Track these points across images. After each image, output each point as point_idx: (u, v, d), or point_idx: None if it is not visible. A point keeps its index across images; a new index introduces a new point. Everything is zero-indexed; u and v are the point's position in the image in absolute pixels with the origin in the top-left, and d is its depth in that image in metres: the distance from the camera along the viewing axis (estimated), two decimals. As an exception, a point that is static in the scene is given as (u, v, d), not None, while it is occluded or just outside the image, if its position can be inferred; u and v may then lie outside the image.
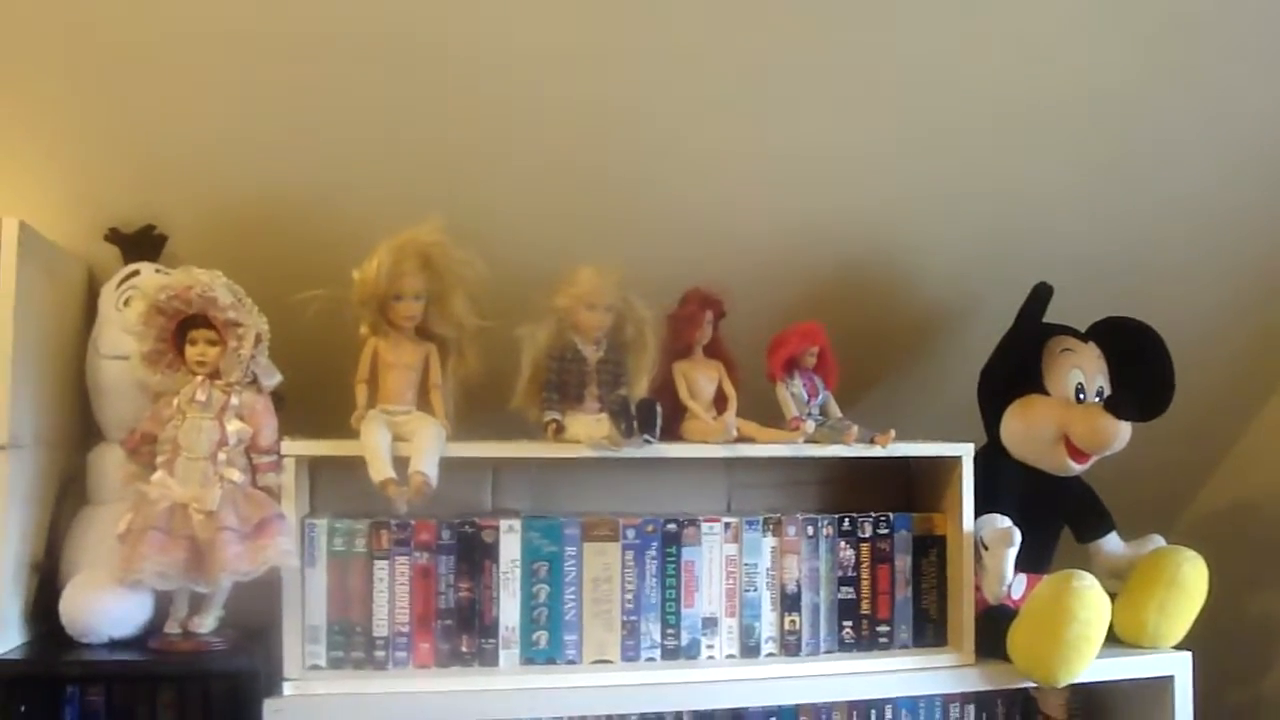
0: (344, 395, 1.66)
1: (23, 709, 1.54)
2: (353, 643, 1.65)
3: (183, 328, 1.59)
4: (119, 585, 1.56)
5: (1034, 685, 1.84)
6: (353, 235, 1.65)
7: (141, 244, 1.77)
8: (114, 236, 1.77)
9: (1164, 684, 1.89)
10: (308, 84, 1.66)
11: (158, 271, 1.74)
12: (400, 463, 1.57)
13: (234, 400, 1.58)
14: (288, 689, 1.59)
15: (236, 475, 1.57)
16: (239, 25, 1.57)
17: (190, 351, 1.59)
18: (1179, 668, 1.88)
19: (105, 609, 1.58)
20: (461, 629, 1.68)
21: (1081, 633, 1.69)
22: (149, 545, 1.53)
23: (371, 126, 1.71)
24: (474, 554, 1.68)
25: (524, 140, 1.75)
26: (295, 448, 1.60)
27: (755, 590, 1.77)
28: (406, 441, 1.60)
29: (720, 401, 1.78)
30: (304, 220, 1.76)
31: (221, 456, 1.57)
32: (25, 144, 1.70)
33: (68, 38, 1.58)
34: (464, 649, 1.68)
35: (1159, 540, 1.98)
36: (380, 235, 1.64)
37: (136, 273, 1.75)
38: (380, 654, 1.66)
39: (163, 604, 1.61)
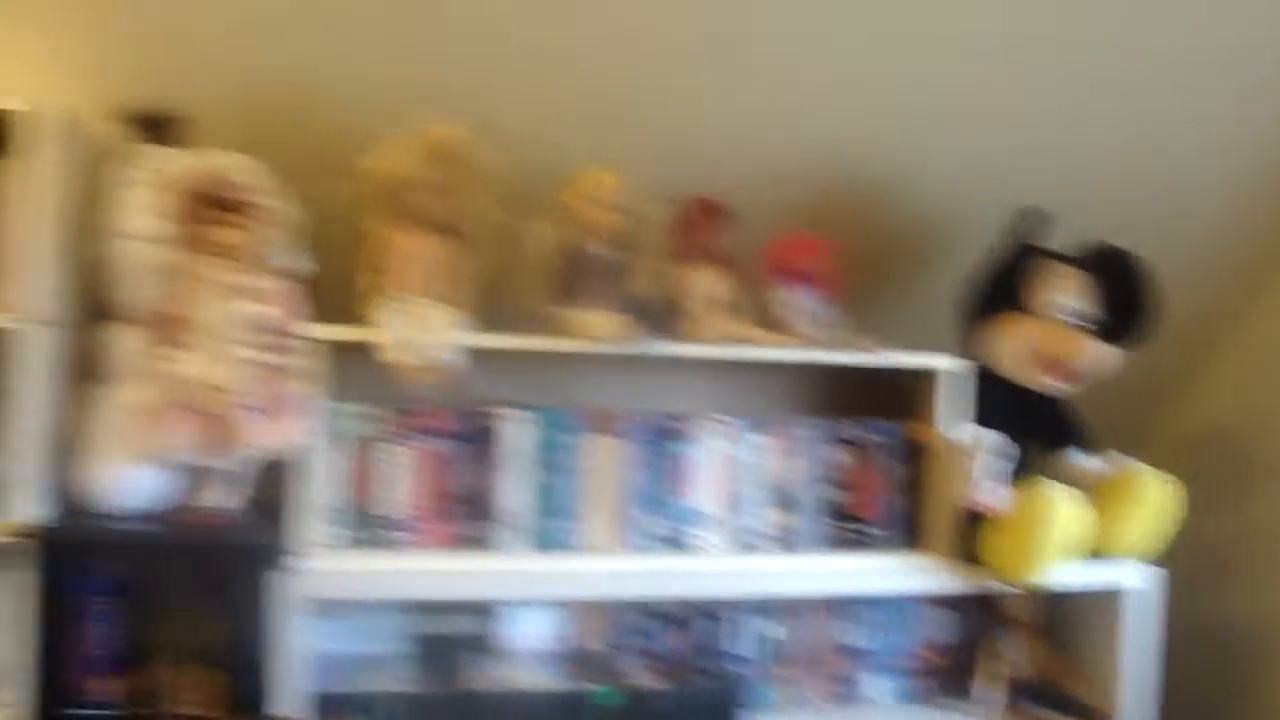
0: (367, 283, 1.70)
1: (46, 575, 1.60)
2: (362, 523, 1.72)
3: (206, 210, 1.62)
4: (139, 459, 1.61)
5: (1005, 588, 1.93)
6: (372, 123, 1.69)
7: (159, 126, 1.78)
8: (131, 117, 1.77)
9: (1127, 595, 1.99)
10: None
11: (177, 153, 1.76)
12: (418, 352, 1.62)
13: (257, 283, 1.62)
14: (296, 564, 1.65)
15: (258, 356, 1.61)
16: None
17: (213, 233, 1.62)
18: (1144, 579, 1.98)
19: (125, 482, 1.62)
20: (468, 514, 1.75)
21: (1049, 538, 1.79)
22: (170, 421, 1.57)
23: (393, 19, 1.73)
24: (482, 442, 1.74)
25: (533, 39, 1.78)
26: (316, 331, 1.64)
27: (747, 487, 1.85)
28: (423, 330, 1.64)
29: (721, 305, 1.84)
30: (324, 107, 1.78)
31: (244, 337, 1.61)
32: (47, 22, 1.71)
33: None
34: (469, 533, 1.75)
35: (1127, 458, 2.07)
36: (395, 125, 1.68)
37: (155, 155, 1.76)
38: (388, 535, 1.73)
39: (179, 479, 1.65)
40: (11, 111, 1.60)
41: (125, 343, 1.70)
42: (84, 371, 1.72)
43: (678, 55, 1.81)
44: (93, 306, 1.74)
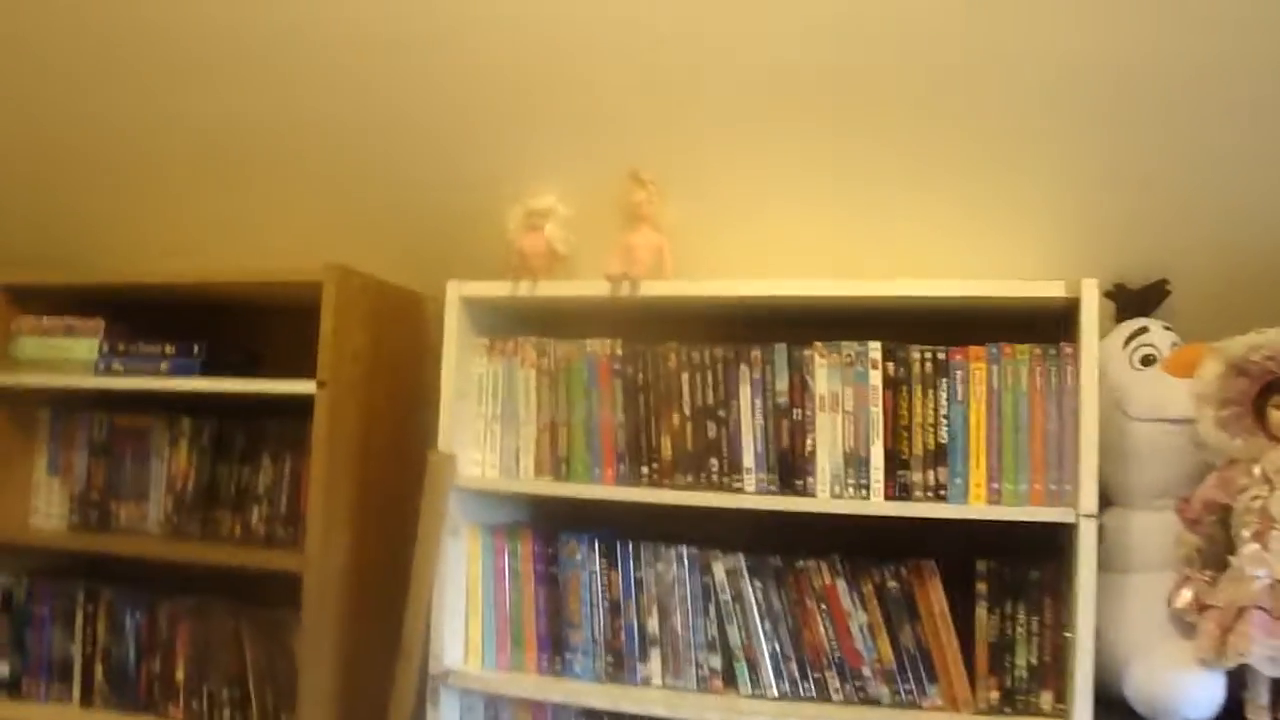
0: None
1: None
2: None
3: (1264, 390, 1.49)
4: (1202, 665, 1.47)
5: None
6: None
7: (1144, 299, 1.70)
8: (1116, 292, 1.70)
9: None
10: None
11: (1165, 328, 1.67)
12: None
13: (1335, 472, 1.45)
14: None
15: (1347, 551, 1.44)
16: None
17: (1275, 415, 1.48)
18: None
19: (1184, 689, 1.48)
20: None
21: None
22: (1252, 625, 1.42)
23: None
24: None
25: None
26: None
27: None
28: None
29: None
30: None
31: (1324, 531, 1.44)
32: (1036, 207, 1.70)
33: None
34: None
35: None
36: None
37: (1144, 329, 1.67)
38: None
39: (1232, 686, 1.49)
40: (1066, 299, 1.55)
41: (1135, 528, 1.59)
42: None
43: None
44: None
